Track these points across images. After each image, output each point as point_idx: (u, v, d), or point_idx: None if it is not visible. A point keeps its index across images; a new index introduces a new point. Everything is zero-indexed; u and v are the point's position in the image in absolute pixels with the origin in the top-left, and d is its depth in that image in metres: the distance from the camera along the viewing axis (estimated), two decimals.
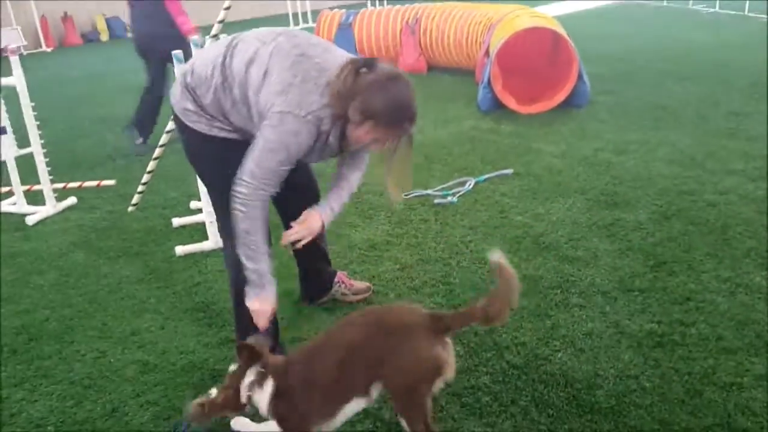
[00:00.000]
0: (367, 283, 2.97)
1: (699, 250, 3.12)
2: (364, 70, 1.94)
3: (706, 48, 8.09)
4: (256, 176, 1.96)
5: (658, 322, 2.59)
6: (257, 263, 2.07)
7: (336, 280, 2.88)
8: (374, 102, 1.91)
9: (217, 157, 2.17)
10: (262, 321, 2.15)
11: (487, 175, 4.26)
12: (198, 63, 2.13)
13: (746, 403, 2.12)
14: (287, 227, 2.28)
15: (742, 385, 2.20)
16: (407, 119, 1.97)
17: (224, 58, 2.05)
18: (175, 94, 2.18)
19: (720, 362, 2.32)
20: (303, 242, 2.23)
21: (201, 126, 2.12)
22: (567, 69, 5.63)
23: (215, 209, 2.36)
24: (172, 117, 2.31)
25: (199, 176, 2.37)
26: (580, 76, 5.62)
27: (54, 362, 2.62)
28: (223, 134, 2.12)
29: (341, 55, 2.04)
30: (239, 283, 2.27)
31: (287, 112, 1.92)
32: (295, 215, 2.26)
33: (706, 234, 3.27)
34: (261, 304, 2.13)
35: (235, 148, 2.10)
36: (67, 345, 2.73)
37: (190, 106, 2.11)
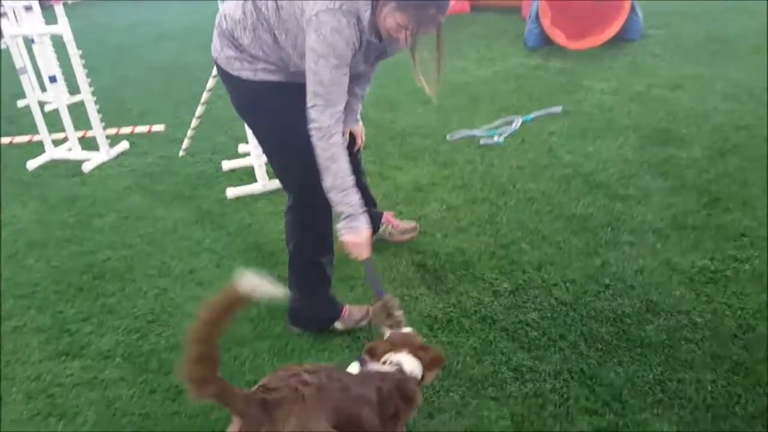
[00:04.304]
0: (414, 223, 2.99)
1: (755, 186, 3.03)
2: None
3: None
4: (319, 94, 1.91)
5: (711, 258, 2.55)
6: (345, 193, 2.00)
7: (383, 220, 2.91)
8: None
9: (266, 104, 2.16)
10: (362, 253, 2.09)
11: (534, 114, 4.18)
12: (229, 7, 2.10)
13: None
14: None
15: None
16: (434, 5, 1.85)
17: None
18: (215, 44, 2.16)
19: None
20: None
21: (246, 72, 2.10)
22: (619, 1, 5.39)
23: (271, 163, 2.35)
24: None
25: (251, 127, 2.33)
26: (632, 9, 5.38)
27: (118, 299, 2.76)
28: (269, 77, 2.10)
29: None
30: (296, 239, 2.33)
31: (321, 10, 1.85)
32: None
33: (762, 169, 3.16)
34: (355, 236, 2.04)
35: (283, 92, 2.10)
36: (129, 283, 2.86)
37: (232, 52, 2.09)
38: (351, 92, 2.44)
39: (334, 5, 1.84)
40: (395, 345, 1.77)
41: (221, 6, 2.17)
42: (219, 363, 1.41)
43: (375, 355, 1.76)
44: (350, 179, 2.00)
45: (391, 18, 1.88)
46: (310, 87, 1.92)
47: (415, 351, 1.75)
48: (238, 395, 1.43)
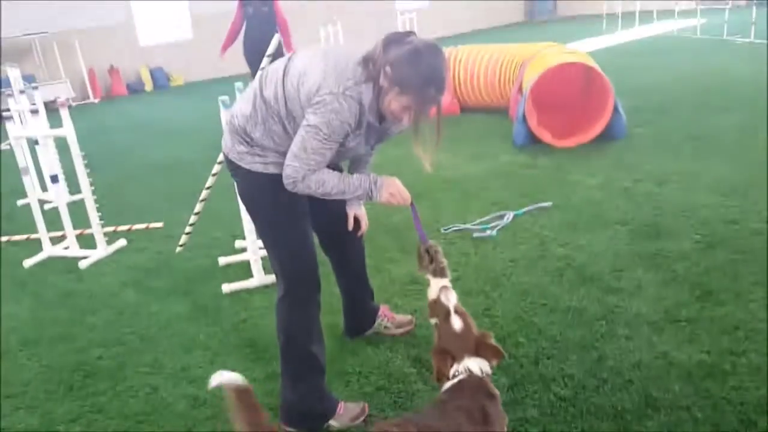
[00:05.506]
0: (410, 316, 2.99)
1: (746, 278, 3.07)
2: (398, 41, 2.00)
3: (742, 78, 8.02)
4: (300, 158, 2.03)
5: (708, 351, 2.55)
6: (350, 186, 2.12)
7: (379, 313, 2.92)
8: (403, 68, 1.96)
9: (271, 196, 2.21)
10: (405, 197, 2.19)
11: (525, 209, 4.28)
12: (240, 105, 2.23)
13: None
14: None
15: None
16: (434, 86, 1.99)
17: (259, 90, 2.14)
18: (226, 141, 2.25)
19: None
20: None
21: (257, 166, 2.18)
22: (602, 102, 5.65)
23: (268, 251, 2.37)
24: (222, 162, 2.37)
25: (253, 217, 2.39)
26: (615, 109, 5.63)
27: (108, 398, 2.70)
28: (279, 170, 2.15)
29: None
30: (287, 328, 2.34)
31: (326, 93, 1.97)
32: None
33: (752, 262, 3.22)
34: (389, 190, 2.15)
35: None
36: (120, 381, 2.81)
37: (244, 148, 2.18)
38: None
39: (338, 89, 1.98)
40: (456, 356, 1.85)
41: (230, 108, 2.27)
42: None
43: (443, 375, 1.86)
44: (341, 176, 2.11)
45: (396, 102, 2.02)
46: (293, 149, 2.04)
47: (474, 351, 1.85)
48: None
